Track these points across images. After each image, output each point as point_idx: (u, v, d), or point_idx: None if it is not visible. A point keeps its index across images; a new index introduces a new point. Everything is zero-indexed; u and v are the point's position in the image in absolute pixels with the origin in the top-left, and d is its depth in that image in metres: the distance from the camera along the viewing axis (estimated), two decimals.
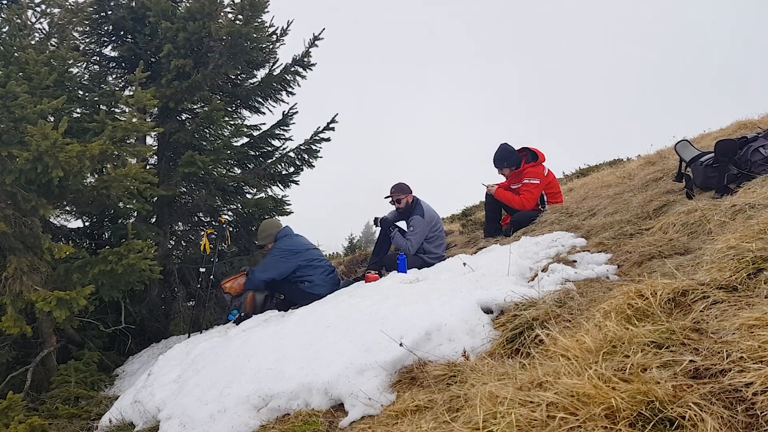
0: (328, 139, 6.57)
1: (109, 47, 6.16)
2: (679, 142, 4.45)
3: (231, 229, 6.32)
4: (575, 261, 3.30)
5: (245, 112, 6.82)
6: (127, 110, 5.07)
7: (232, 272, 6.28)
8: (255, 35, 5.76)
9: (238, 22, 5.66)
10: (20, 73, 4.08)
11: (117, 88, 5.95)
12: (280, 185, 6.75)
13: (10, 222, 3.93)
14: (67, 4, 5.08)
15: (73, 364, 4.44)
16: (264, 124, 6.78)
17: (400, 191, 5.32)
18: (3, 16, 4.74)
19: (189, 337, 4.60)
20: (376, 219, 5.58)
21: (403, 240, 5.14)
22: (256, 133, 6.69)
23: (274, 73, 6.47)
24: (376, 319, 2.83)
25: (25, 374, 4.29)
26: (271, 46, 6.32)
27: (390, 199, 5.36)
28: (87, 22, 5.72)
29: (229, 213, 6.80)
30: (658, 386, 1.39)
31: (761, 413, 1.24)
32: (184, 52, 5.45)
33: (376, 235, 5.99)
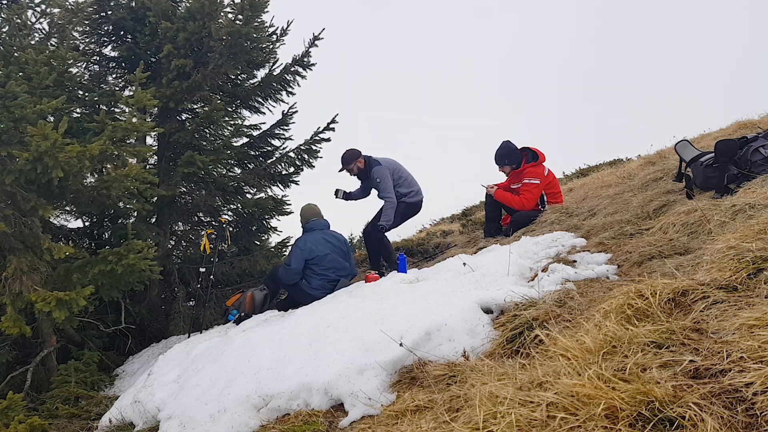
0: (328, 139, 6.56)
1: (109, 47, 6.15)
2: (679, 142, 4.45)
3: (231, 229, 6.32)
4: (575, 261, 3.30)
5: (245, 112, 6.81)
6: (127, 110, 5.07)
7: (232, 272, 6.29)
8: (255, 35, 5.75)
9: (238, 22, 5.65)
10: (20, 73, 4.08)
11: (117, 88, 5.94)
12: (280, 185, 6.74)
13: (10, 222, 3.93)
14: (67, 4, 5.08)
15: (73, 364, 4.44)
16: (264, 123, 6.78)
17: (349, 161, 5.30)
18: (3, 16, 4.74)
19: (189, 337, 4.60)
20: (337, 190, 5.59)
21: (386, 200, 5.21)
22: (256, 133, 6.68)
23: (274, 73, 6.47)
24: (376, 319, 2.83)
25: (25, 374, 4.29)
26: (271, 46, 6.31)
27: (345, 171, 5.35)
28: (87, 22, 5.71)
29: (229, 213, 6.79)
30: (658, 386, 1.39)
31: (761, 413, 1.24)
32: (184, 52, 5.45)
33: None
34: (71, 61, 4.70)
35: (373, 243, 5.63)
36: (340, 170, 5.38)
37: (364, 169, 5.35)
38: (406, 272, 4.17)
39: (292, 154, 6.58)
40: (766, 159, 3.47)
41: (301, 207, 5.13)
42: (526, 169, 5.39)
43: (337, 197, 5.61)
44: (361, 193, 5.65)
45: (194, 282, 6.04)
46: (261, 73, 6.53)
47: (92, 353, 4.73)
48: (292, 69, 6.47)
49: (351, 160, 5.32)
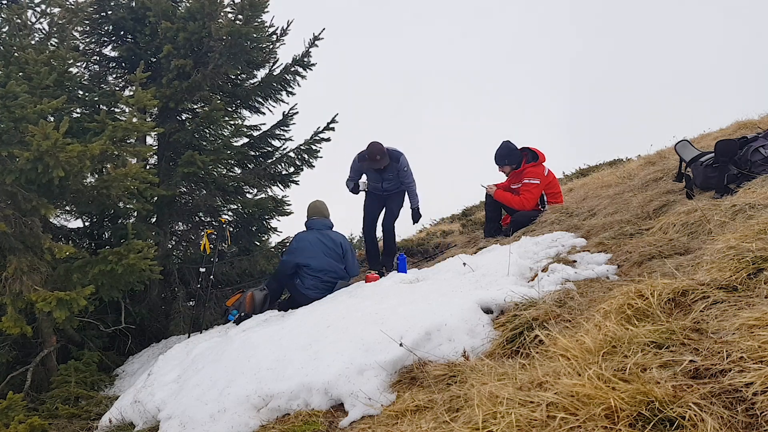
0: (328, 139, 6.56)
1: (109, 47, 6.15)
2: (679, 142, 4.45)
3: (231, 229, 6.32)
4: (575, 261, 3.30)
5: (245, 112, 6.80)
6: (127, 110, 5.07)
7: (232, 272, 6.29)
8: (255, 35, 5.75)
9: (238, 22, 5.65)
10: (20, 73, 4.08)
11: (117, 88, 5.94)
12: (280, 185, 6.74)
13: (10, 222, 3.93)
14: (67, 4, 5.08)
15: (73, 364, 4.43)
16: (264, 124, 6.77)
17: (384, 152, 5.46)
18: (3, 16, 4.74)
19: (189, 337, 4.60)
20: (359, 183, 5.73)
21: (412, 184, 5.72)
22: (256, 133, 6.68)
23: (274, 73, 6.46)
24: (376, 319, 2.83)
25: (25, 374, 4.29)
26: (271, 46, 6.31)
27: (383, 166, 5.48)
28: (87, 22, 5.71)
29: (229, 213, 6.79)
30: (657, 386, 1.39)
31: (761, 413, 1.24)
32: (184, 52, 5.44)
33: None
34: (71, 61, 4.70)
35: (373, 242, 5.79)
36: (381, 165, 5.46)
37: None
38: (406, 272, 4.17)
39: (292, 154, 6.58)
40: (766, 159, 3.47)
41: (309, 203, 5.19)
42: (526, 169, 5.39)
43: (362, 189, 5.77)
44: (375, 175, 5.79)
45: (194, 282, 6.04)
46: (261, 73, 6.53)
47: (92, 353, 4.72)
48: (292, 69, 6.47)
49: (385, 151, 5.48)
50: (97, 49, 6.11)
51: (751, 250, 2.03)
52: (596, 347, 1.71)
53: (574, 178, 9.97)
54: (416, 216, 5.94)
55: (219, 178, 6.12)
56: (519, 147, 5.50)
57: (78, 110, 5.14)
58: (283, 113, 6.65)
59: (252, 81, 6.59)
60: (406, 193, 5.87)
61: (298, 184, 6.78)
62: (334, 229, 5.04)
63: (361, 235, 6.41)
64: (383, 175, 5.62)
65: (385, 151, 5.44)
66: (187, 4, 5.74)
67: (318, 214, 5.03)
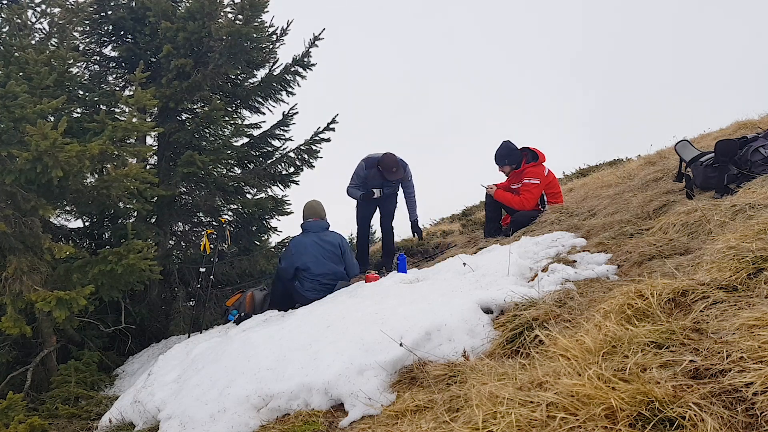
0: (328, 140, 6.57)
1: (109, 47, 6.15)
2: (679, 142, 4.45)
3: (231, 229, 6.32)
4: (575, 261, 3.30)
5: (245, 112, 6.81)
6: (127, 110, 5.07)
7: (232, 272, 6.29)
8: (255, 35, 5.75)
9: (238, 22, 5.65)
10: (20, 73, 4.08)
11: (117, 88, 5.94)
12: (280, 185, 6.74)
13: (10, 222, 3.93)
14: (67, 4, 5.08)
15: (73, 364, 4.43)
16: (264, 123, 6.78)
17: (401, 166, 5.53)
18: (3, 16, 4.74)
19: (189, 337, 4.60)
20: (371, 192, 5.72)
21: (414, 193, 5.84)
22: (256, 133, 6.69)
23: (274, 73, 6.47)
24: (376, 319, 2.83)
25: (25, 374, 4.29)
26: (271, 46, 6.32)
27: (398, 178, 5.57)
28: (87, 22, 5.71)
29: (229, 213, 6.79)
30: (658, 386, 1.39)
31: (761, 413, 1.24)
32: (184, 52, 5.45)
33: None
34: (71, 61, 4.69)
35: (366, 243, 5.90)
36: (396, 177, 5.55)
37: None
38: (406, 272, 4.17)
39: (292, 154, 6.59)
40: (766, 159, 3.47)
41: (305, 204, 5.16)
42: (526, 169, 5.39)
43: (375, 196, 5.78)
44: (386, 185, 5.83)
45: (194, 282, 6.04)
46: (261, 73, 6.53)
47: (92, 353, 4.72)
48: (292, 69, 6.47)
49: (400, 163, 5.55)
50: (97, 49, 6.12)
51: (751, 250, 2.03)
52: (596, 347, 1.71)
53: (574, 178, 9.96)
54: (417, 230, 6.03)
55: (219, 178, 6.12)
56: (519, 147, 5.50)
57: (78, 110, 5.14)
58: (283, 113, 6.66)
59: (252, 81, 6.59)
60: (405, 201, 5.94)
61: (298, 184, 6.79)
62: (330, 229, 5.02)
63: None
64: (386, 182, 5.64)
65: (400, 164, 5.52)
66: (187, 4, 5.73)
67: (314, 215, 4.99)
